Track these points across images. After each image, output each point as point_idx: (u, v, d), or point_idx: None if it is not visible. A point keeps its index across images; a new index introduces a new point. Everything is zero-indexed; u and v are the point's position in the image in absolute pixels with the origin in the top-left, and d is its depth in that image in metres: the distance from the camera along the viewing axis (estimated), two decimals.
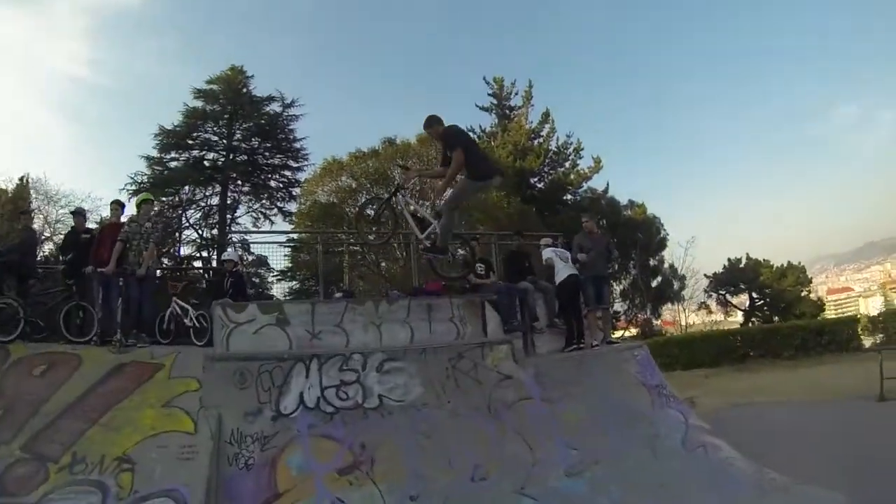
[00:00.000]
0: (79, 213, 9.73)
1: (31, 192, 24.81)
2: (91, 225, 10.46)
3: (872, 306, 69.35)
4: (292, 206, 28.38)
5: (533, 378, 7.54)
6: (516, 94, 36.14)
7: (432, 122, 7.24)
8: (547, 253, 9.59)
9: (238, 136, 27.97)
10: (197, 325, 8.46)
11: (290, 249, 21.30)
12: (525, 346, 8.49)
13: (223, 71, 28.33)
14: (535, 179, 33.98)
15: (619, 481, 6.46)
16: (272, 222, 27.88)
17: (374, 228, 10.05)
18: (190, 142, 27.23)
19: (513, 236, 10.78)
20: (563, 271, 9.32)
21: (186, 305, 8.79)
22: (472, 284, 9.22)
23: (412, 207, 8.19)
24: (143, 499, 4.99)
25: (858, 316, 26.51)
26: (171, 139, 26.69)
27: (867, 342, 21.80)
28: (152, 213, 9.07)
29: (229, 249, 9.92)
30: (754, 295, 40.09)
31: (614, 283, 32.47)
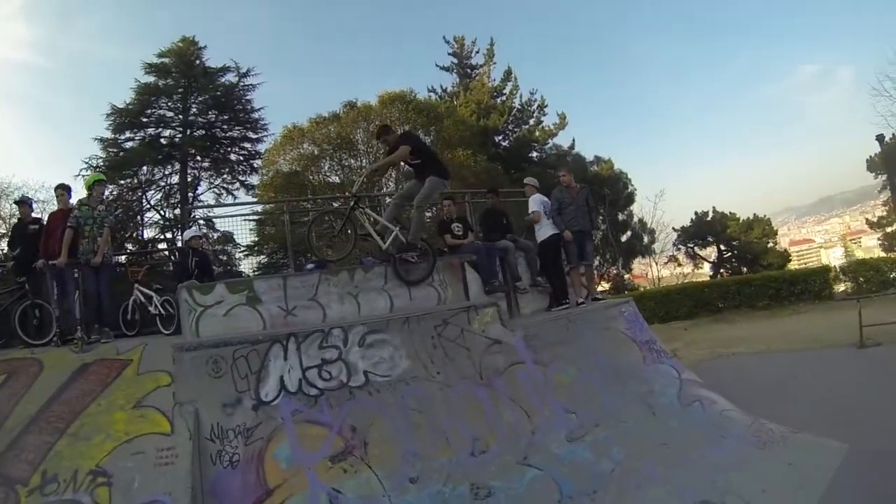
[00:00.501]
0: (23, 203, 9.11)
1: None
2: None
3: (833, 256, 72.33)
4: (254, 179, 27.47)
5: (523, 341, 7.18)
6: (477, 52, 35.92)
7: (384, 132, 7.96)
8: (535, 204, 9.21)
9: (194, 110, 26.86)
10: (163, 312, 8.11)
11: (255, 223, 21.32)
12: (509, 308, 8.20)
13: (174, 43, 26.97)
14: (500, 138, 33.88)
15: (621, 443, 6.22)
16: (235, 197, 27.00)
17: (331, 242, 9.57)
18: (144, 119, 26.06)
19: (486, 194, 10.35)
20: (545, 229, 9.07)
21: (150, 292, 8.37)
22: (449, 245, 8.87)
23: (372, 219, 7.99)
24: None
25: (829, 266, 26.77)
26: (124, 118, 25.48)
27: (838, 290, 22.46)
28: (105, 194, 8.51)
29: (192, 227, 9.36)
30: (722, 247, 40.52)
31: None
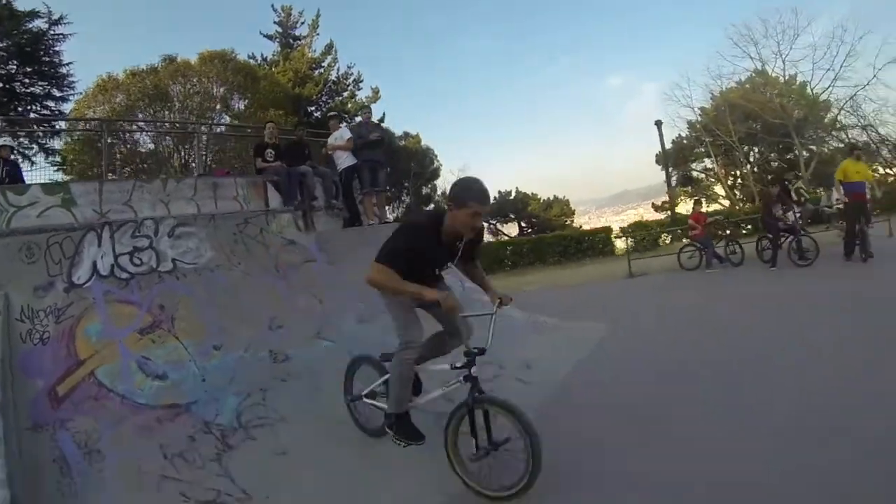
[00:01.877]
0: None
1: None
2: None
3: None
4: (57, 143, 25.12)
5: (315, 244, 8.32)
6: (303, 23, 36.43)
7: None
8: (347, 132, 10.79)
9: None
10: None
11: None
12: (305, 224, 9.16)
13: None
14: (313, 108, 34.73)
15: None
16: (33, 163, 23.61)
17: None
18: None
19: (296, 129, 11.63)
20: (346, 160, 10.49)
21: None
22: (258, 168, 9.91)
23: None
24: None
25: (611, 227, 31.77)
26: None
27: (620, 249, 26.45)
28: None
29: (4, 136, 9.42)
30: (523, 224, 45.03)
31: (388, 209, 34.42)
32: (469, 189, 4.01)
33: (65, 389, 5.21)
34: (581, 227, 41.20)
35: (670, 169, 40.72)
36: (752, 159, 41.08)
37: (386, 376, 4.66)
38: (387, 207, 12.68)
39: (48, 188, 7.42)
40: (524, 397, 5.38)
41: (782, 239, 13.56)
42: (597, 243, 28.23)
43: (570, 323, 9.08)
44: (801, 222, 13.73)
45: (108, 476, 4.49)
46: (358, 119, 11.11)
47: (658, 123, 34.22)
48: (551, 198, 45.75)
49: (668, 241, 27.81)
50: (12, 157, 9.21)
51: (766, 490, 3.46)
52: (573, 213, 47.41)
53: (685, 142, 43.62)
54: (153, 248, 6.71)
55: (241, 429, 5.18)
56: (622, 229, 29.13)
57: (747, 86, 38.40)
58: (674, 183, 42.43)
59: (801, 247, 12.98)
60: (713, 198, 42.52)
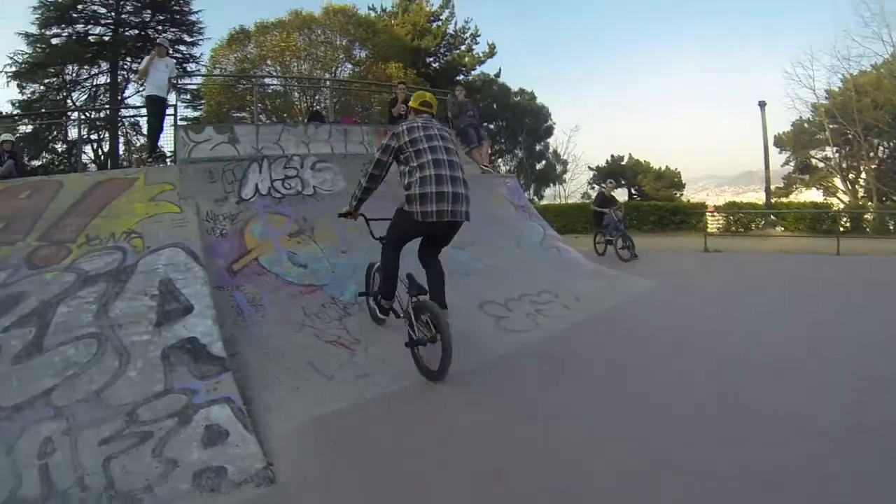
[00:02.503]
0: None
1: None
2: None
3: None
4: (188, 81, 28.50)
5: None
6: None
7: None
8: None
9: (128, 8, 27.46)
10: None
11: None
12: None
13: None
14: (431, 59, 36.29)
15: (491, 256, 9.44)
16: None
17: None
18: (74, 15, 26.29)
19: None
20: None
21: None
22: (392, 117, 12.22)
23: None
24: (156, 251, 6.89)
25: (706, 204, 32.07)
26: (52, 12, 25.81)
27: (711, 226, 26.13)
28: None
29: (5, 133, 11.68)
30: (633, 191, 45.05)
31: (501, 163, 36.70)
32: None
33: (238, 266, 7.55)
34: (688, 201, 40.67)
35: (789, 154, 40.17)
36: (880, 154, 36.65)
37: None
38: (500, 160, 15.44)
39: (219, 128, 10.08)
40: (564, 319, 7.74)
41: None
42: (690, 218, 28.86)
43: (628, 276, 10.89)
44: None
45: (268, 319, 6.78)
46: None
47: (762, 104, 31.74)
48: (662, 168, 45.52)
49: (760, 226, 28.20)
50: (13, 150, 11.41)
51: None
52: (683, 186, 46.75)
53: (806, 126, 40.01)
54: (299, 177, 9.15)
55: (356, 304, 7.39)
56: (715, 207, 30.30)
57: (882, 70, 34.78)
58: (791, 169, 41.45)
59: None
60: (831, 190, 38.74)
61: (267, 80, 26.95)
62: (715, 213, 28.35)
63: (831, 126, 36.36)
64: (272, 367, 5.83)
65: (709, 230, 21.71)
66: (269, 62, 28.36)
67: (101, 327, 5.60)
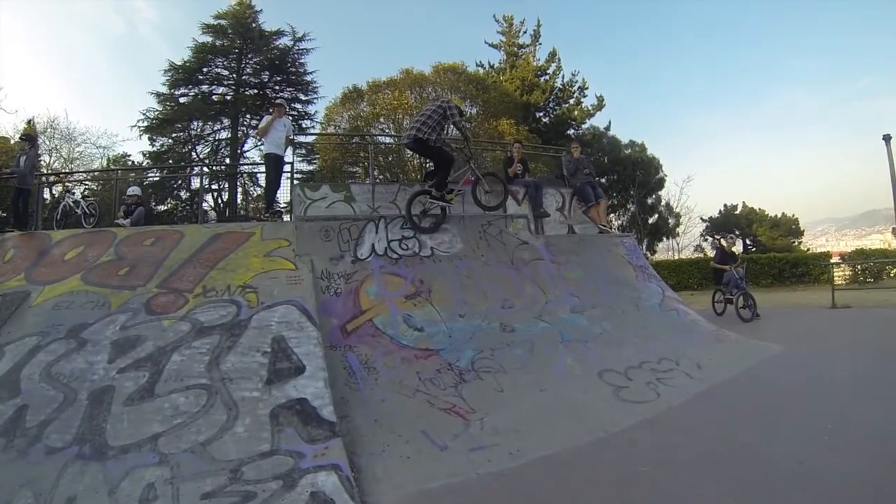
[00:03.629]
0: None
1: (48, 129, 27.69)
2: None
3: None
4: (302, 138, 29.61)
5: (544, 245, 10.21)
6: (525, 32, 38.62)
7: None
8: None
9: (248, 70, 29.48)
10: (88, 211, 11.80)
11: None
12: (536, 227, 11.26)
13: (231, 6, 29.54)
14: (541, 114, 36.55)
15: (610, 320, 9.13)
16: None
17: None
18: (200, 77, 28.72)
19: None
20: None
21: (79, 199, 12.11)
22: (509, 177, 12.25)
23: None
24: (270, 307, 7.06)
25: (830, 252, 30.10)
26: (180, 75, 28.24)
27: (838, 278, 24.49)
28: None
29: (134, 186, 12.65)
30: (748, 241, 43.09)
31: (613, 218, 35.90)
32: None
33: (351, 327, 7.57)
34: (808, 249, 39.02)
35: None
36: None
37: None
38: (612, 215, 15.20)
39: (335, 186, 10.38)
40: (685, 387, 7.40)
41: None
42: (813, 269, 27.16)
43: (749, 339, 10.14)
44: None
45: (381, 383, 6.72)
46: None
47: (886, 138, 27.77)
48: (779, 215, 43.63)
49: (892, 274, 26.27)
50: (140, 200, 12.49)
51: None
52: (802, 233, 44.62)
53: None
54: (416, 237, 9.15)
55: (473, 371, 7.21)
56: (841, 256, 28.17)
57: None
58: None
59: None
60: None
61: (379, 138, 27.63)
62: (841, 264, 25.92)
63: None
64: (383, 433, 5.75)
65: (835, 283, 20.12)
66: (381, 119, 29.08)
67: (212, 379, 5.72)
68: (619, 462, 5.31)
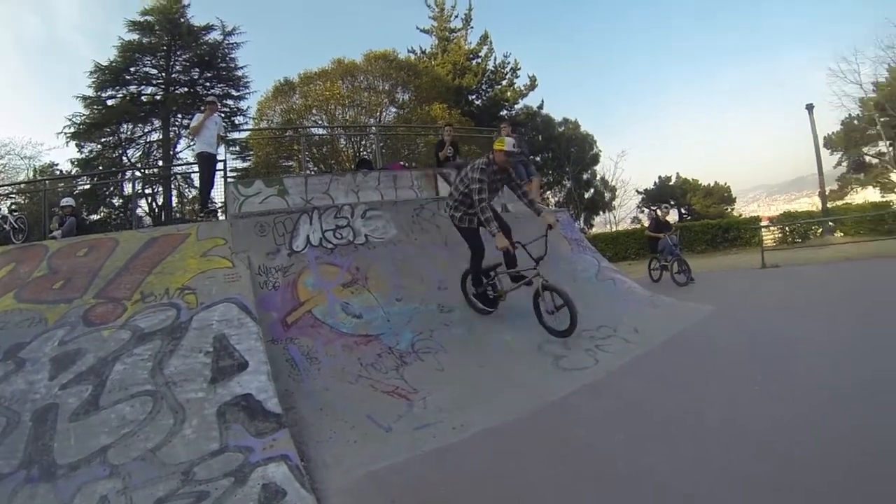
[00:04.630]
0: None
1: None
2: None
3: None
4: (235, 135, 29.06)
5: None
6: (456, 17, 39.00)
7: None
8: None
9: (178, 68, 28.97)
10: (16, 226, 11.86)
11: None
12: None
13: (157, 1, 28.65)
14: (474, 97, 37.21)
15: None
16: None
17: None
18: (127, 77, 28.00)
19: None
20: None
21: (6, 214, 12.19)
22: (440, 160, 12.44)
23: None
24: (209, 307, 7.05)
25: (760, 217, 31.45)
26: (107, 76, 27.49)
27: (767, 240, 25.56)
28: None
29: (67, 197, 12.36)
30: (682, 211, 44.69)
31: (549, 195, 37.82)
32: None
33: (291, 319, 7.63)
34: (740, 215, 40.29)
35: (841, 154, 40.38)
36: None
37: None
38: (549, 192, 15.35)
39: (268, 181, 10.30)
40: (623, 352, 7.64)
41: None
42: (744, 233, 28.44)
43: (684, 302, 10.59)
44: None
45: (323, 372, 6.82)
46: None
47: (809, 107, 32.12)
48: (711, 184, 45.07)
49: (818, 234, 27.69)
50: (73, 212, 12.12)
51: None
52: (734, 200, 46.50)
53: (855, 122, 40.34)
54: (350, 226, 9.26)
55: (413, 353, 7.36)
56: (770, 219, 29.40)
57: None
58: (845, 169, 41.65)
59: None
60: (889, 187, 38.37)
61: (313, 130, 27.65)
62: (770, 227, 27.95)
63: (882, 119, 36.18)
64: (329, 421, 5.85)
65: (765, 244, 21.10)
66: (314, 111, 29.26)
67: (156, 385, 5.73)
68: (559, 428, 5.53)
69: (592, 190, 42.25)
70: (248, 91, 30.36)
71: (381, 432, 5.67)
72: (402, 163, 11.24)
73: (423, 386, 6.63)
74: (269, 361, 6.21)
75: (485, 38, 38.62)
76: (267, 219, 8.98)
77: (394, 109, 32.12)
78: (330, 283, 8.35)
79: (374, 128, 23.61)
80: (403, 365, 7.10)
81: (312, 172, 12.82)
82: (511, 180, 8.16)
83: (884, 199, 34.79)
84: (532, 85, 38.33)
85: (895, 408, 4.79)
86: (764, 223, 28.66)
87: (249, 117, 30.54)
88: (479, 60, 38.30)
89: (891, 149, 37.85)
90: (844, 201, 38.34)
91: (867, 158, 40.81)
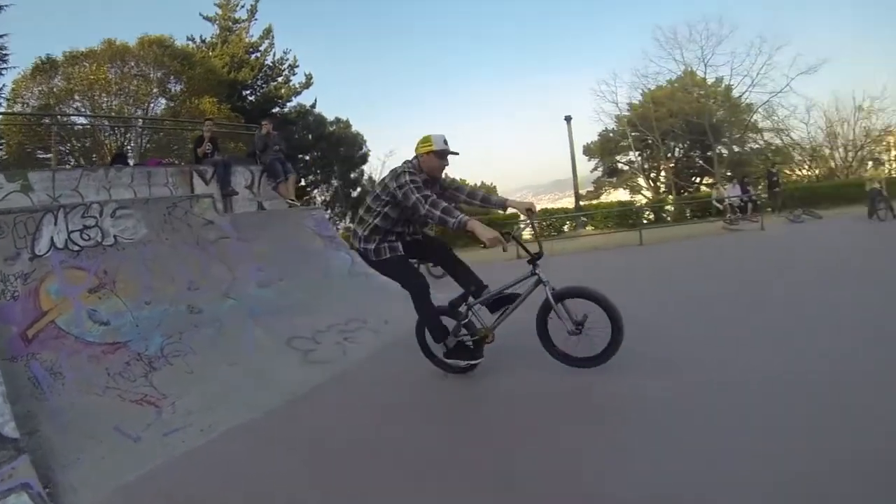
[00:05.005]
0: None
1: None
2: None
3: None
4: None
5: (230, 224, 10.51)
6: (242, 7, 38.28)
7: None
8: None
9: None
10: None
11: None
12: (224, 206, 11.72)
13: None
14: (248, 92, 37.10)
15: (300, 290, 9.85)
16: None
17: None
18: None
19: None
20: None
21: None
22: (198, 157, 12.49)
23: None
24: None
25: (518, 214, 34.74)
26: None
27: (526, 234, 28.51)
28: None
29: None
30: None
31: (317, 193, 40.19)
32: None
33: (33, 332, 7.25)
34: (504, 212, 43.00)
35: (598, 160, 49.22)
36: (676, 154, 48.18)
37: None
38: (316, 190, 15.82)
39: (10, 175, 9.74)
40: (371, 343, 8.34)
41: None
42: (507, 228, 30.08)
43: (439, 294, 11.27)
44: None
45: (68, 387, 6.64)
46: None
47: (567, 119, 36.95)
48: (478, 184, 48.22)
49: (573, 227, 33.01)
50: None
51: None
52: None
53: (611, 135, 50.01)
54: (98, 226, 8.90)
55: (163, 357, 7.44)
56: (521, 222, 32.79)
57: (676, 84, 44.45)
58: (600, 173, 50.85)
59: None
60: (636, 189, 49.26)
61: (73, 118, 25.99)
62: (527, 221, 30.54)
63: (633, 134, 47.25)
64: (75, 439, 5.76)
65: (523, 238, 23.56)
66: (76, 97, 27.34)
67: None
68: (307, 419, 5.99)
69: (360, 189, 43.60)
70: (6, 66, 26.05)
71: (129, 443, 5.77)
72: (159, 159, 11.07)
73: (172, 390, 6.78)
74: (7, 381, 5.95)
75: (268, 32, 38.46)
76: (6, 218, 8.26)
77: (164, 101, 31.06)
78: (76, 288, 8.07)
79: (140, 120, 22.62)
80: (152, 371, 7.16)
81: (68, 167, 12.18)
82: (441, 195, 6.36)
83: (630, 199, 43.68)
84: (308, 83, 38.83)
85: None
86: (522, 218, 31.42)
87: (3, 97, 26.96)
88: (259, 55, 38.01)
89: (639, 158, 49.33)
90: (599, 200, 46.99)
91: (619, 165, 51.68)
